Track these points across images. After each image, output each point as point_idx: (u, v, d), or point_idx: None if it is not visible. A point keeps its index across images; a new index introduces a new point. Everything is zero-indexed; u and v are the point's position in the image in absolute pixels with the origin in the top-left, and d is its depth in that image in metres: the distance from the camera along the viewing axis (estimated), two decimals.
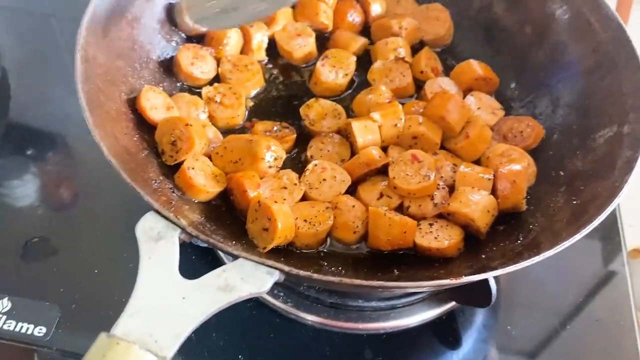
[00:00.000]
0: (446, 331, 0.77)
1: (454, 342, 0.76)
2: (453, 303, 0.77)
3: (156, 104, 0.75)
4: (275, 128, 0.79)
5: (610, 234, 0.86)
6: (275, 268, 0.53)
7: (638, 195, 0.79)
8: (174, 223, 0.55)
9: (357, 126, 0.75)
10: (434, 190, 0.72)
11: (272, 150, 0.74)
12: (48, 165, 0.90)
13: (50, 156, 0.90)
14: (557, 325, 0.77)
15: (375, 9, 0.91)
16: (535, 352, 0.76)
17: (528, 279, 0.81)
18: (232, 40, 0.86)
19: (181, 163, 0.71)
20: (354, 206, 0.71)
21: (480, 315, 0.78)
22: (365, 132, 0.75)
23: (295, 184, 0.73)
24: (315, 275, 0.56)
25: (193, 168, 0.71)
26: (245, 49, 0.88)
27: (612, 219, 0.87)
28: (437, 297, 0.77)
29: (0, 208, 0.83)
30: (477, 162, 0.78)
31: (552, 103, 0.82)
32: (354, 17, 0.90)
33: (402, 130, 0.77)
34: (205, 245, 0.56)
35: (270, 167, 0.74)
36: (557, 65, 0.84)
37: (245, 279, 0.52)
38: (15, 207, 0.83)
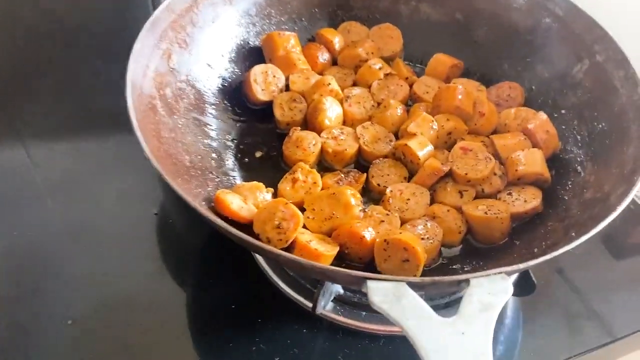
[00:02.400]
0: None
1: None
2: None
3: (237, 202, 0.72)
4: (342, 175, 0.81)
5: None
6: (505, 272, 0.57)
7: None
8: (395, 280, 0.56)
9: (414, 144, 0.81)
10: (496, 166, 0.82)
11: (354, 195, 0.76)
12: None
13: None
14: None
15: (337, 42, 0.98)
16: None
17: None
18: None
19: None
20: (448, 210, 0.78)
21: None
22: (421, 147, 0.81)
23: (388, 214, 0.77)
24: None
25: (310, 241, 0.70)
26: None
27: None
28: None
29: None
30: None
31: (515, 64, 0.97)
32: (324, 56, 0.96)
33: (438, 131, 0.85)
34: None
35: (360, 210, 0.76)
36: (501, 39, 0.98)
37: (491, 292, 0.55)
38: None
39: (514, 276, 0.60)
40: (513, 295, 0.61)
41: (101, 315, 0.76)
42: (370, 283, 0.55)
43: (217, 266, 0.83)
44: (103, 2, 1.26)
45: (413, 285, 0.56)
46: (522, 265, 0.59)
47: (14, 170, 0.93)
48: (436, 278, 0.57)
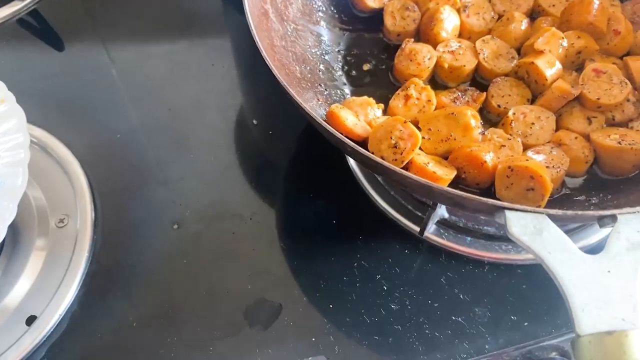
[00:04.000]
0: None
1: None
2: None
3: (352, 119, 0.69)
4: (459, 93, 0.76)
5: None
6: None
7: None
8: (535, 212, 0.52)
9: (541, 63, 0.74)
10: (631, 92, 0.74)
11: (474, 116, 0.71)
12: None
13: None
14: None
15: None
16: None
17: None
18: None
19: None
20: (576, 137, 0.72)
21: None
22: (549, 65, 0.74)
23: (509, 139, 0.72)
24: None
25: (427, 163, 0.67)
26: None
27: None
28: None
29: None
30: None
31: None
32: None
33: (567, 49, 0.77)
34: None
35: (480, 133, 0.72)
36: None
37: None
38: None
39: None
40: None
41: (203, 222, 0.77)
42: (508, 213, 0.52)
43: (317, 181, 0.81)
44: None
45: (554, 218, 0.52)
46: None
47: (107, 71, 0.93)
48: (580, 212, 0.53)
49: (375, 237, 0.77)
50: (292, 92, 0.57)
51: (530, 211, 0.52)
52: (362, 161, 0.58)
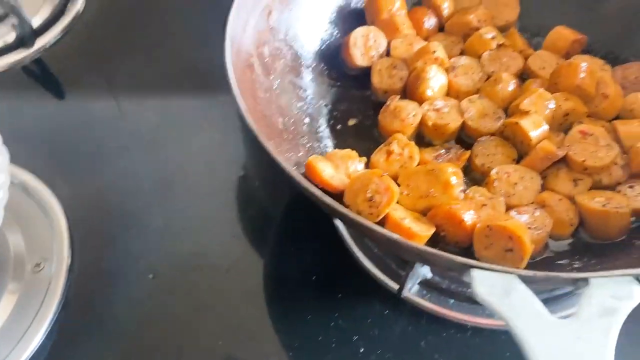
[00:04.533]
0: None
1: None
2: None
3: (329, 171, 0.68)
4: (443, 151, 0.75)
5: None
6: (633, 275, 0.50)
7: None
8: (504, 272, 0.50)
9: (526, 123, 0.73)
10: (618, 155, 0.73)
11: (455, 173, 0.70)
12: None
13: None
14: None
15: (446, 7, 0.90)
16: None
17: None
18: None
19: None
20: (560, 199, 0.70)
21: None
22: (535, 126, 0.73)
23: (492, 198, 0.70)
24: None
25: (404, 218, 0.66)
26: None
27: None
28: None
29: None
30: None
31: None
32: (430, 22, 0.89)
33: (554, 110, 0.76)
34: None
35: (461, 191, 0.70)
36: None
37: (615, 296, 0.49)
38: None
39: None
40: None
41: (181, 272, 0.76)
42: (475, 272, 0.50)
43: (298, 236, 0.80)
44: None
45: (524, 279, 0.50)
46: None
47: (103, 121, 0.94)
48: (551, 274, 0.51)
49: (356, 295, 0.74)
50: (263, 140, 0.57)
51: (498, 270, 0.50)
52: (332, 212, 0.57)
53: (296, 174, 0.57)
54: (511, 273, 0.50)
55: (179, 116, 0.94)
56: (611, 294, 0.49)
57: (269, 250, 0.80)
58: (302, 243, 0.79)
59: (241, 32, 0.71)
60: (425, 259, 0.54)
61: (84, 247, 0.78)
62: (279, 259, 0.79)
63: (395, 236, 0.53)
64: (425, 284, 0.74)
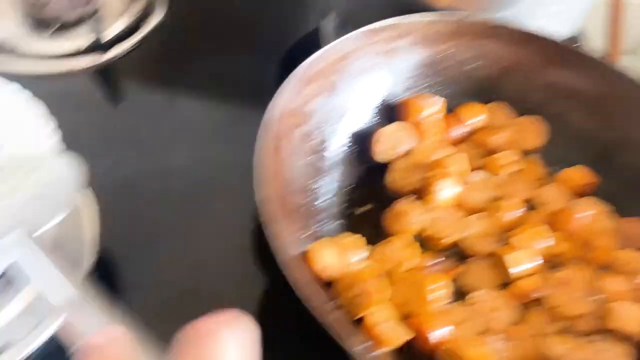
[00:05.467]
0: None
1: None
2: None
3: (323, 262, 0.74)
4: (443, 258, 0.81)
5: None
6: None
7: None
8: None
9: (508, 259, 0.78)
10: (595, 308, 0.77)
11: (437, 288, 0.75)
12: None
13: None
14: None
15: (478, 120, 0.96)
16: None
17: None
18: None
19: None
20: (531, 336, 0.74)
21: None
22: (515, 263, 0.78)
23: (467, 320, 0.75)
24: None
25: (380, 323, 0.71)
26: None
27: None
28: None
29: None
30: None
31: None
32: (458, 131, 0.95)
33: (543, 250, 0.81)
34: None
35: (438, 306, 0.75)
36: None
37: None
38: None
39: None
40: None
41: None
42: None
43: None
44: None
45: None
46: None
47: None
48: None
49: None
50: (272, 225, 0.64)
51: None
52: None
53: (282, 261, 0.63)
54: None
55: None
56: None
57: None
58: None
59: (278, 117, 0.78)
60: None
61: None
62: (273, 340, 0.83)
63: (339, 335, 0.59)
64: None
